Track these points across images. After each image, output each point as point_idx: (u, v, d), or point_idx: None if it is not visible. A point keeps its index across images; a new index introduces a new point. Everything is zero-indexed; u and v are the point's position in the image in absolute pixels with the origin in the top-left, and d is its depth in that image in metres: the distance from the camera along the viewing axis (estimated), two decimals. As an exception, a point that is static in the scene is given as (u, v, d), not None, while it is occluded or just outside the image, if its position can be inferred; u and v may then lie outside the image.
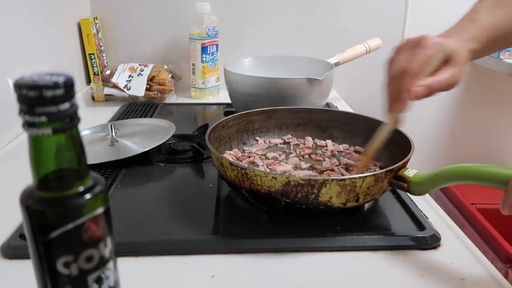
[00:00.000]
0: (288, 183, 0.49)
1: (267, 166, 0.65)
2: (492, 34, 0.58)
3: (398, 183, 0.53)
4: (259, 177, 0.51)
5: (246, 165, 0.63)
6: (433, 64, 0.53)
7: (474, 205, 1.23)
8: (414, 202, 0.59)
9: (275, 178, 0.50)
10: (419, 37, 0.53)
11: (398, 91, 0.52)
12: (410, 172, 0.53)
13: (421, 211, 0.57)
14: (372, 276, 0.47)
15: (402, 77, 0.52)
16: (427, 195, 0.62)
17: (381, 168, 0.63)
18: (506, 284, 0.45)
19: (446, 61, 0.53)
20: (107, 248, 0.30)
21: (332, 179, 0.49)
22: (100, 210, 0.29)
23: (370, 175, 0.50)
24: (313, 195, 0.50)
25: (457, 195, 1.29)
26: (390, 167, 0.52)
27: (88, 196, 0.28)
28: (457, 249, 0.51)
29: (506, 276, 0.85)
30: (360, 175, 0.50)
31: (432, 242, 0.51)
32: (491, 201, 1.23)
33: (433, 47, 0.52)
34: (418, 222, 0.54)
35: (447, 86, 0.53)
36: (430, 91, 0.52)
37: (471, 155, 1.47)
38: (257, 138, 0.75)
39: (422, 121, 1.43)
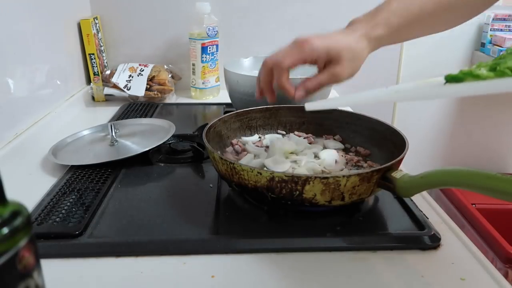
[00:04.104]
0: (273, 179, 0.50)
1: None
2: (406, 18, 0.58)
3: (385, 184, 0.52)
4: (246, 171, 0.52)
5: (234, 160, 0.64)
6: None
7: (474, 205, 1.23)
8: (414, 202, 0.59)
9: (260, 174, 0.51)
10: (305, 39, 0.55)
11: (270, 82, 0.58)
12: (398, 173, 0.52)
13: (421, 211, 0.57)
14: (372, 276, 0.47)
15: (274, 69, 0.56)
16: (427, 195, 0.62)
17: None
18: (506, 284, 0.45)
19: (330, 60, 0.56)
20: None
21: (315, 177, 0.49)
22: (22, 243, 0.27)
23: (354, 174, 0.50)
24: (297, 192, 0.50)
25: (457, 195, 1.29)
26: (377, 168, 0.52)
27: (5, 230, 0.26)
28: (457, 249, 0.51)
29: (506, 276, 0.86)
30: (344, 174, 0.50)
31: (432, 242, 0.51)
32: (491, 201, 1.23)
33: (310, 51, 0.55)
34: (418, 222, 0.54)
35: (329, 83, 0.57)
36: (308, 93, 0.58)
37: (471, 155, 1.47)
38: (260, 135, 0.76)
39: (421, 120, 1.43)
